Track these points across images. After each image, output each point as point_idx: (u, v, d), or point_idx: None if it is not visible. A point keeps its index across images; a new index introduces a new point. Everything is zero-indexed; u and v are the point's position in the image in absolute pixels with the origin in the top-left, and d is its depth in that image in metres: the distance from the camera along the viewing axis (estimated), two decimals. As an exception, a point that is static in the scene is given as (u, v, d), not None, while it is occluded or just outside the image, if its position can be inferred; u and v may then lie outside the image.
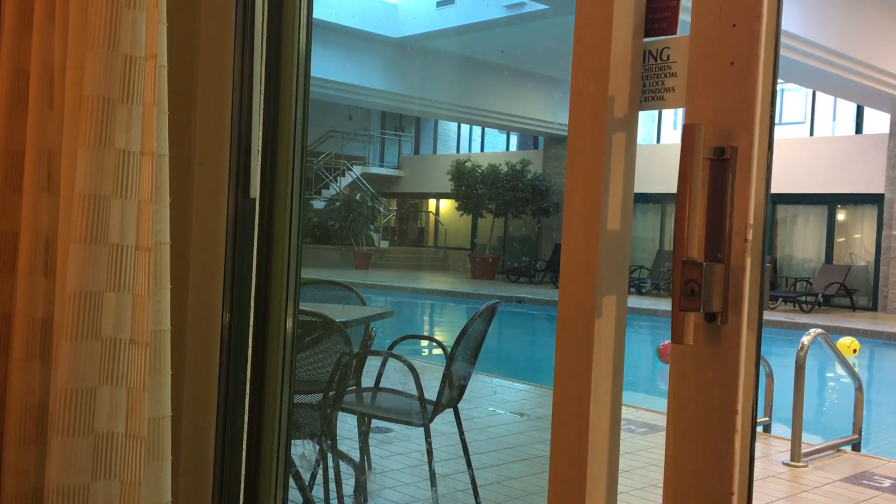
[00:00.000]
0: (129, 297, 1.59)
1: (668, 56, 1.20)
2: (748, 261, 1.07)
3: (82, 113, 1.56)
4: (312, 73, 2.04)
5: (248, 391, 1.97)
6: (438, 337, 13.53)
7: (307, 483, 3.63)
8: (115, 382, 1.58)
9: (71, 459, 1.55)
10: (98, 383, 1.57)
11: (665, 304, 13.08)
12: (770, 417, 6.19)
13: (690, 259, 1.06)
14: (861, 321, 14.89)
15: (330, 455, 3.58)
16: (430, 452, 3.72)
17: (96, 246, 1.56)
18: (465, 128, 27.80)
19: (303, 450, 3.73)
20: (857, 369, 6.28)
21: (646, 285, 18.28)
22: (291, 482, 2.99)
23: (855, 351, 10.72)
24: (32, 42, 1.67)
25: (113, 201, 1.57)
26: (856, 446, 5.76)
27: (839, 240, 18.31)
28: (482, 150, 27.27)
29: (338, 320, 3.43)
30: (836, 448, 5.59)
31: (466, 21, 15.94)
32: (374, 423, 4.72)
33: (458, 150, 27.66)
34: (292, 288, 1.99)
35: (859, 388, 5.94)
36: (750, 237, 1.07)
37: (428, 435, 3.62)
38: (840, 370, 7.69)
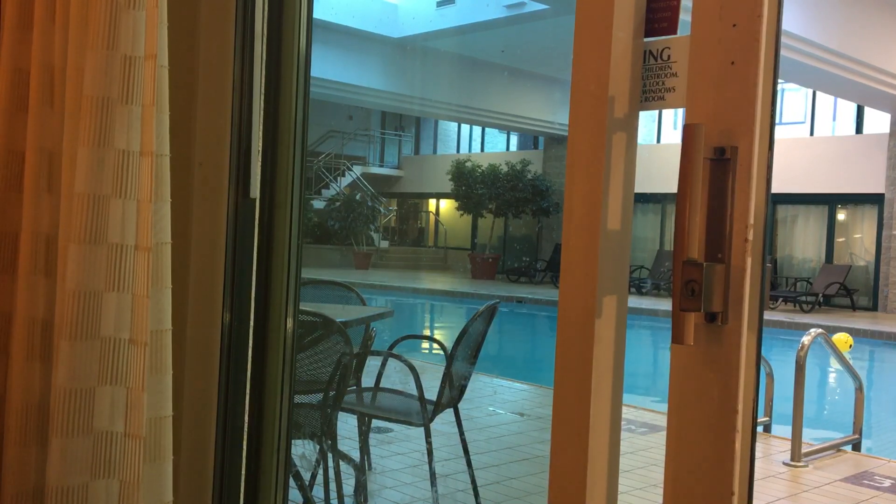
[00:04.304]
0: (129, 297, 1.59)
1: (669, 56, 1.20)
2: (748, 261, 1.07)
3: (82, 113, 1.56)
4: (312, 73, 2.03)
5: (248, 391, 1.97)
6: (439, 337, 13.53)
7: (307, 483, 3.63)
8: (114, 382, 1.58)
9: (70, 459, 1.55)
10: (97, 383, 1.57)
11: (665, 304, 13.08)
12: (770, 417, 6.18)
13: (691, 259, 1.06)
14: (861, 321, 14.88)
15: (330, 455, 3.58)
16: (430, 452, 3.72)
17: (96, 246, 1.56)
18: (465, 128, 27.79)
19: (303, 450, 3.73)
20: (850, 362, 6.28)
21: (646, 285, 18.28)
22: (291, 482, 2.99)
23: (850, 346, 10.81)
24: (32, 42, 1.67)
25: (112, 201, 1.57)
26: (856, 446, 5.76)
27: (839, 240, 18.30)
28: (482, 150, 27.26)
29: (338, 320, 3.43)
30: (837, 448, 5.59)
31: (466, 21, 15.94)
32: (375, 423, 4.72)
33: (458, 150, 27.66)
34: (292, 288, 1.99)
35: (859, 388, 5.94)
36: (750, 237, 1.07)
37: (428, 435, 3.62)
38: (840, 369, 7.69)
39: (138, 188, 1.59)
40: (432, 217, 26.51)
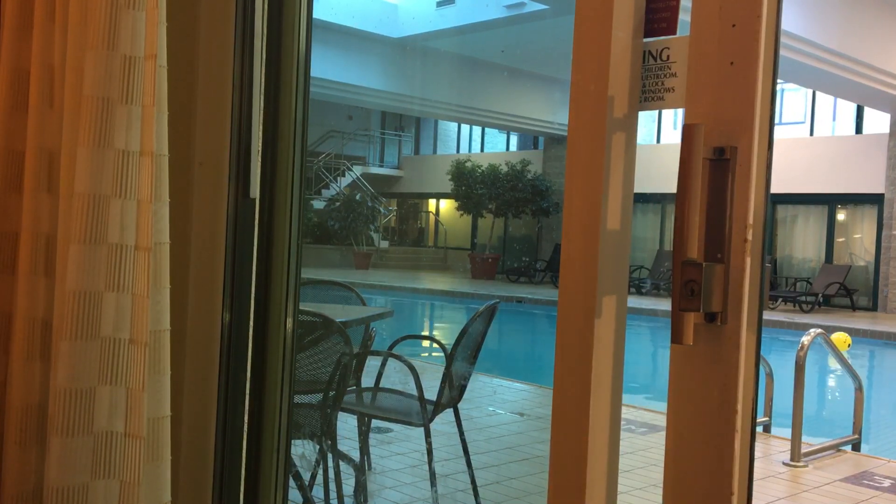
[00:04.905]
0: (129, 297, 1.59)
1: (668, 56, 1.20)
2: (748, 261, 1.07)
3: (82, 113, 1.56)
4: (312, 73, 2.03)
5: (248, 391, 1.96)
6: (438, 337, 13.53)
7: (307, 483, 3.63)
8: (114, 382, 1.58)
9: (70, 459, 1.55)
10: (97, 383, 1.57)
11: (665, 304, 13.07)
12: (770, 417, 6.18)
13: (690, 259, 1.06)
14: (861, 321, 14.88)
15: (330, 455, 3.58)
16: (430, 452, 3.72)
17: (95, 246, 1.56)
18: (465, 128, 27.80)
19: (303, 450, 3.73)
20: (849, 361, 6.29)
21: (646, 285, 18.28)
22: (291, 482, 2.99)
23: (849, 345, 10.86)
24: (32, 42, 1.66)
25: (112, 201, 1.57)
26: (856, 446, 5.76)
27: (839, 240, 18.31)
28: (482, 150, 27.27)
29: (338, 320, 3.43)
30: (836, 448, 5.59)
31: (466, 21, 15.94)
32: (374, 423, 4.72)
33: (458, 150, 27.66)
34: (292, 288, 1.99)
35: (859, 388, 5.94)
36: (750, 237, 1.07)
37: (428, 435, 3.62)
38: (840, 370, 7.69)
39: (138, 188, 1.59)
40: (432, 217, 26.51)
